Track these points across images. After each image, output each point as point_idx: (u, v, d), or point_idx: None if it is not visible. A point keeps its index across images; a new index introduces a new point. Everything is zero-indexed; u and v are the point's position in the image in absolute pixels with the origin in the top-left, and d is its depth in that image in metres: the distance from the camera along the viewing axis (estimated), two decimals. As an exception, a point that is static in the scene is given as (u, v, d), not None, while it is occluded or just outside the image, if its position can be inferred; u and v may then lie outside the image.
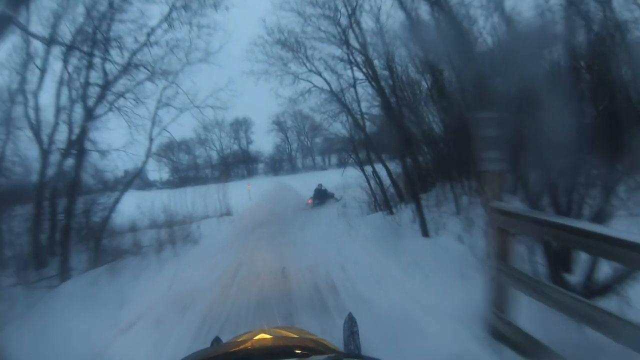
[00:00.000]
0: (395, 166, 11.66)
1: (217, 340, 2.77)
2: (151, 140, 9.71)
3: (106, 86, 8.56)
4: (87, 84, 8.38)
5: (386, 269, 5.97)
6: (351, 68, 11.03)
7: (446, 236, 6.39)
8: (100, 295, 6.37)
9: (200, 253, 8.65)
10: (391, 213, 9.43)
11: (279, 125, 33.41)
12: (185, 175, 28.35)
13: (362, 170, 11.64)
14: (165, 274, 7.35)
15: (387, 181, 11.26)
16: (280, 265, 7.14)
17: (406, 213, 8.50)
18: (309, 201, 16.68)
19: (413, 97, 10.53)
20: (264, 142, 34.47)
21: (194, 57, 10.07)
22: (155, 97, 9.82)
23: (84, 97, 8.40)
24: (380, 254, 6.74)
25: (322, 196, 16.77)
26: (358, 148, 12.06)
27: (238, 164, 34.78)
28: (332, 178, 20.14)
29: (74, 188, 8.19)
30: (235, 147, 34.73)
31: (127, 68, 8.84)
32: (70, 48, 8.09)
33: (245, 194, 18.16)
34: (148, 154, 9.72)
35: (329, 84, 11.43)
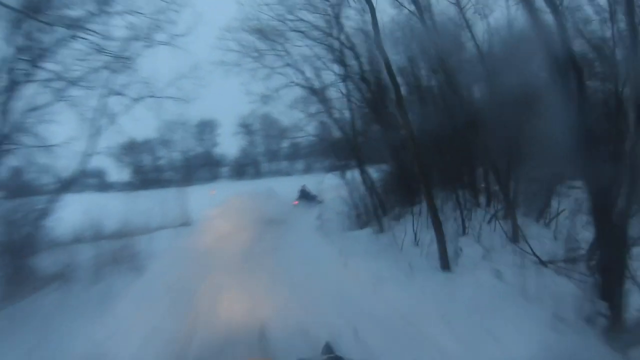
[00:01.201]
0: (375, 174, 10.40)
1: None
2: (96, 133, 7.76)
3: (38, 58, 6.68)
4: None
5: (426, 334, 3.96)
6: (341, 56, 9.54)
7: (472, 269, 4.88)
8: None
9: (141, 294, 5.92)
10: (381, 230, 7.94)
11: (246, 127, 31.71)
12: (147, 177, 26.95)
13: (343, 176, 10.14)
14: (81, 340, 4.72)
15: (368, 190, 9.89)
16: (257, 322, 4.86)
17: (399, 231, 7.05)
18: (295, 202, 16.65)
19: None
20: (229, 145, 32.70)
21: (155, 39, 8.27)
22: (103, 80, 7.94)
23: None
24: (396, 298, 4.78)
25: (306, 197, 16.71)
26: (338, 152, 10.53)
27: (202, 167, 32.91)
28: (298, 185, 19.03)
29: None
30: (200, 149, 32.93)
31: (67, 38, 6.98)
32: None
33: (208, 200, 16.21)
34: (91, 150, 7.75)
35: (309, 79, 9.94)
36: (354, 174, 10.05)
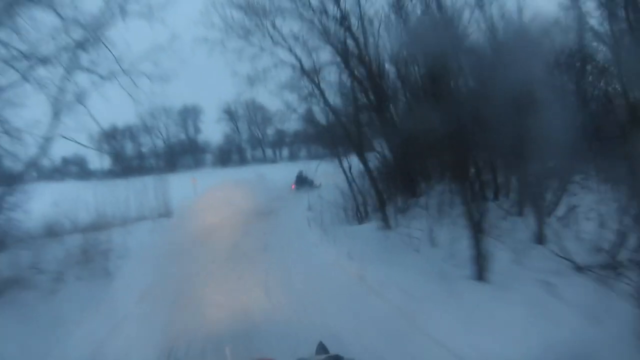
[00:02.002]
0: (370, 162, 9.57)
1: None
2: (60, 114, 6.69)
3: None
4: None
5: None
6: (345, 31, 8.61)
7: (512, 280, 4.05)
8: None
9: (107, 310, 4.75)
10: (387, 225, 7.08)
11: (230, 114, 30.64)
12: (128, 165, 26.33)
13: (340, 163, 9.24)
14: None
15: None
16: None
17: (406, 226, 6.21)
18: (292, 186, 16.93)
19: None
20: (213, 131, 31.59)
21: (130, 9, 7.23)
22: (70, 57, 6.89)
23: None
24: (446, 333, 3.48)
25: (303, 182, 16.79)
26: (334, 138, 9.62)
27: (185, 154, 31.75)
28: (285, 172, 18.22)
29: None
30: (183, 136, 31.69)
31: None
32: None
33: (190, 188, 15.17)
34: (53, 133, 6.68)
35: (299, 60, 8.97)
36: (350, 162, 9.20)
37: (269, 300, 5.00)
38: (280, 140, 31.92)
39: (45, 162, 8.43)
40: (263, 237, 8.54)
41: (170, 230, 9.51)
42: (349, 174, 9.28)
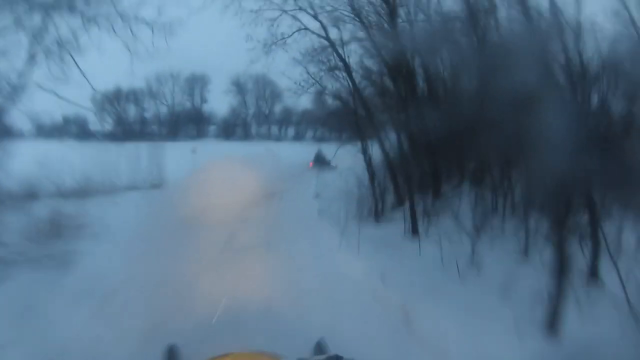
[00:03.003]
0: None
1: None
2: (33, 60, 5.56)
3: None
4: None
5: None
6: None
7: (590, 334, 3.05)
8: None
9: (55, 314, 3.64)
10: (415, 231, 6.02)
11: (239, 86, 29.18)
12: (130, 129, 25.76)
13: (364, 146, 8.10)
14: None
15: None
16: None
17: (434, 235, 5.16)
18: (310, 164, 16.67)
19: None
20: (219, 103, 30.12)
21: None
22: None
23: None
24: None
25: (321, 161, 16.40)
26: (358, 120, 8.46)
27: (188, 123, 30.63)
28: (292, 151, 17.24)
29: None
30: (188, 104, 30.51)
31: None
32: None
33: (190, 159, 14.01)
34: (23, 83, 5.56)
35: (325, 28, 7.83)
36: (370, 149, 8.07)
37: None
38: (287, 118, 30.81)
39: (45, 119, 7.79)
40: (267, 229, 7.30)
41: (160, 207, 8.41)
42: (369, 162, 8.14)
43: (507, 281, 4.16)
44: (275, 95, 29.31)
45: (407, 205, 7.19)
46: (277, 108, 30.06)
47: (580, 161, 4.21)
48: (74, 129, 25.67)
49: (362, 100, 8.49)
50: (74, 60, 6.12)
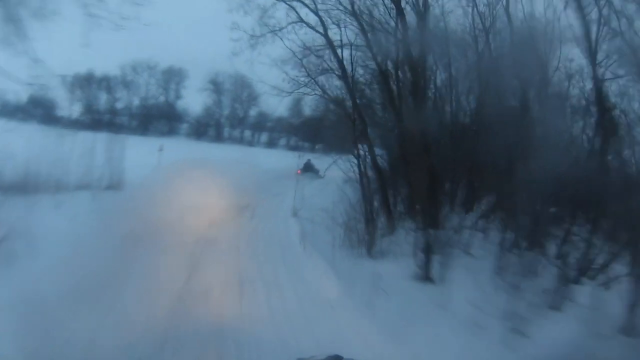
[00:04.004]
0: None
1: None
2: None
3: None
4: None
5: None
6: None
7: None
8: None
9: None
10: (428, 277, 4.77)
11: (216, 85, 27.84)
12: (98, 118, 24.55)
13: (357, 157, 7.09)
14: None
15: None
16: None
17: (449, 282, 4.07)
18: (298, 171, 16.62)
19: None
20: (194, 100, 28.82)
21: None
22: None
23: None
24: None
25: (309, 169, 17.15)
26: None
27: (160, 118, 28.96)
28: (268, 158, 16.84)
29: None
30: (162, 98, 28.80)
31: None
32: None
33: (155, 159, 12.48)
34: None
35: (323, 23, 6.80)
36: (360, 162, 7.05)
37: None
38: (261, 123, 29.67)
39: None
40: (240, 259, 5.91)
41: (110, 216, 6.94)
42: (364, 173, 7.09)
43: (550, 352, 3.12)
44: (252, 98, 28.12)
45: (402, 236, 6.15)
46: (253, 112, 29.02)
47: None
48: (39, 112, 23.62)
49: (358, 108, 7.48)
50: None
